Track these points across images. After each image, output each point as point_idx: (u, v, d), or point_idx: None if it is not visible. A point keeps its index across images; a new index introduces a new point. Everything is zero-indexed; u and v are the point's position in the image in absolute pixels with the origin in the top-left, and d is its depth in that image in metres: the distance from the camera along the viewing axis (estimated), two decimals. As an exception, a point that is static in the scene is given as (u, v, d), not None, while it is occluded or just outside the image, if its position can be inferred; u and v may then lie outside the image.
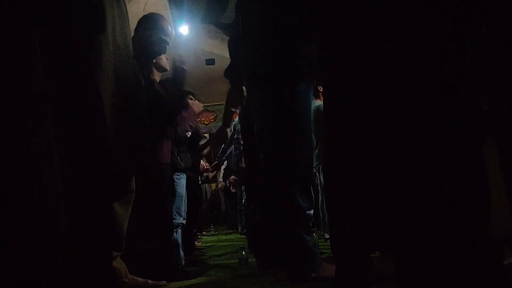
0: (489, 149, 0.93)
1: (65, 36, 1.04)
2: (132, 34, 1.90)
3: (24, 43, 0.91)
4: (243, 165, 2.83)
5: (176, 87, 2.45)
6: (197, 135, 3.67)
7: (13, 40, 0.90)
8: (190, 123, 3.38)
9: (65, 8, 1.06)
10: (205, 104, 10.21)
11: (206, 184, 8.03)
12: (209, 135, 3.73)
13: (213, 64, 7.49)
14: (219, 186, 8.01)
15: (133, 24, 2.03)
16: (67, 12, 1.07)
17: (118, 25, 1.47)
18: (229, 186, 6.95)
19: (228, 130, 2.46)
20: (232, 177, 5.01)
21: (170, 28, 2.53)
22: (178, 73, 2.39)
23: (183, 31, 5.88)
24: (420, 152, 0.84)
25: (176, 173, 2.98)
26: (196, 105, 3.49)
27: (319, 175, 3.93)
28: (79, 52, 1.11)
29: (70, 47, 1.06)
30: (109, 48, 1.34)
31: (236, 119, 3.40)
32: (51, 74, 0.94)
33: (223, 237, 6.58)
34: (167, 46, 2.52)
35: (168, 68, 2.66)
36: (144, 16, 2.51)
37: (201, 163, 4.61)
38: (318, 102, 3.69)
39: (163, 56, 2.60)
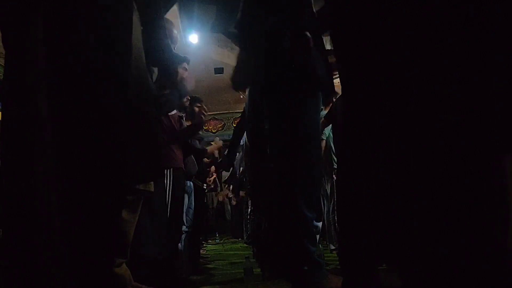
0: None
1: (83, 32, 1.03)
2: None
3: (24, 36, 0.91)
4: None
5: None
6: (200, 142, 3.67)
7: (18, 29, 0.91)
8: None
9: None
10: (213, 113, 10.29)
11: (213, 192, 8.02)
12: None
13: (222, 73, 7.52)
14: (221, 195, 7.99)
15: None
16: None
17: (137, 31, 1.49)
18: (233, 197, 6.93)
19: None
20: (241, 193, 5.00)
21: (175, 32, 2.52)
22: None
23: (193, 40, 5.92)
24: (434, 162, 0.83)
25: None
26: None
27: (326, 185, 3.91)
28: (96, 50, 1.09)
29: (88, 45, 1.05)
30: (133, 52, 1.34)
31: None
32: (58, 70, 0.95)
33: (228, 245, 6.54)
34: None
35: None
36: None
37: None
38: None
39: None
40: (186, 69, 2.61)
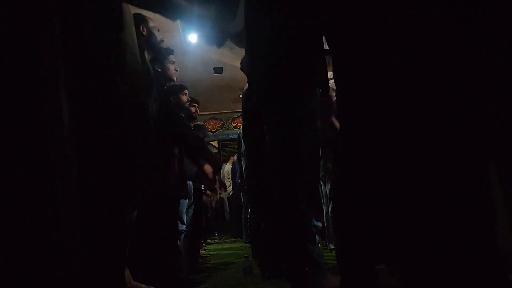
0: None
1: (81, 32, 1.04)
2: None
3: (41, 37, 0.91)
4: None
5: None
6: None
7: (31, 34, 0.91)
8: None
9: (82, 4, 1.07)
10: (212, 112, 10.27)
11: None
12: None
13: (221, 72, 7.52)
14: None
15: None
16: (84, 7, 1.07)
17: (131, 29, 1.50)
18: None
19: None
20: None
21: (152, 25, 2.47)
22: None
23: (192, 39, 5.91)
24: (434, 162, 0.83)
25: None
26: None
27: (324, 185, 3.91)
28: (97, 50, 1.11)
29: (86, 44, 1.06)
30: (130, 50, 1.35)
31: (240, 129, 3.41)
32: (67, 72, 0.95)
33: (228, 245, 6.54)
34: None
35: (175, 79, 2.67)
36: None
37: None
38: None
39: (171, 66, 2.61)
40: (173, 62, 2.62)
